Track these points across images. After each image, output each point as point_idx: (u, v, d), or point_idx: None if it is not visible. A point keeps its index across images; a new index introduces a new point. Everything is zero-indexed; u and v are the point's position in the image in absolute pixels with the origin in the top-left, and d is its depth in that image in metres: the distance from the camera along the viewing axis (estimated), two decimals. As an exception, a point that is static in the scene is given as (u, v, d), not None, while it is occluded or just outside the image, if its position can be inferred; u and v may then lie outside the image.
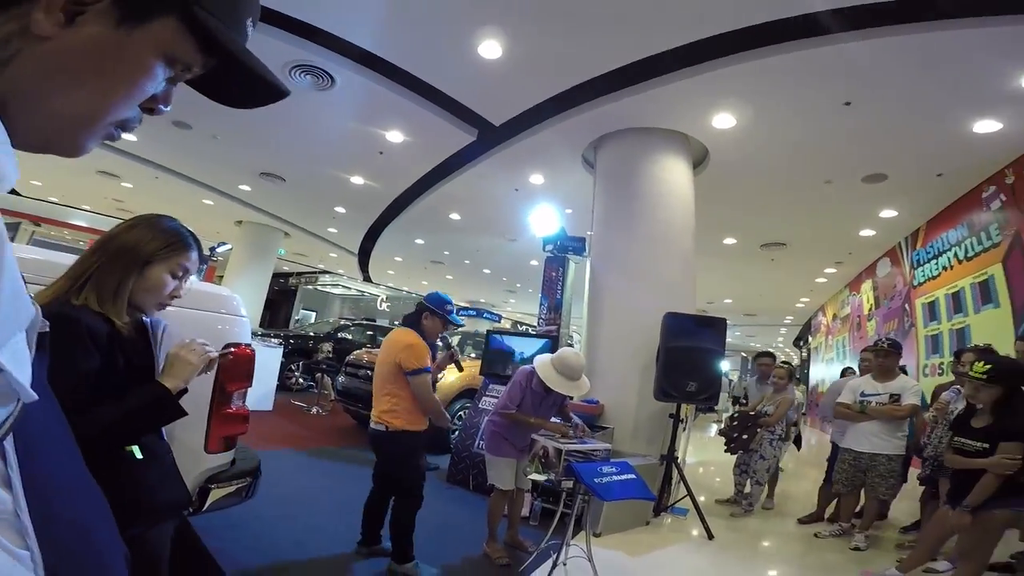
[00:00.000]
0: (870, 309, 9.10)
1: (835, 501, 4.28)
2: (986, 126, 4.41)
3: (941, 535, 3.09)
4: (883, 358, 4.01)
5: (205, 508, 1.75)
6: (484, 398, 4.99)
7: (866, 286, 9.40)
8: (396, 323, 19.85)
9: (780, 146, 5.21)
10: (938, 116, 4.38)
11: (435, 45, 4.29)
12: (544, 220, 5.67)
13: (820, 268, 10.00)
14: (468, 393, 5.67)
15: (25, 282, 0.42)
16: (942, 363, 5.97)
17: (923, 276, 6.77)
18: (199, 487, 1.76)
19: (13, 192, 13.05)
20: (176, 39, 0.45)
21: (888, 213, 6.69)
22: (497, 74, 4.52)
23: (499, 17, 3.86)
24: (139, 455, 1.17)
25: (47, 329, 0.49)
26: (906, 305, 7.30)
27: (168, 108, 0.51)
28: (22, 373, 0.35)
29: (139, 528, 1.13)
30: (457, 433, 5.11)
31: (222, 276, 13.03)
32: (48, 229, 13.90)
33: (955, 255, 5.95)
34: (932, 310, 6.43)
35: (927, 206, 6.32)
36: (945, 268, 6.20)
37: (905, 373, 4.41)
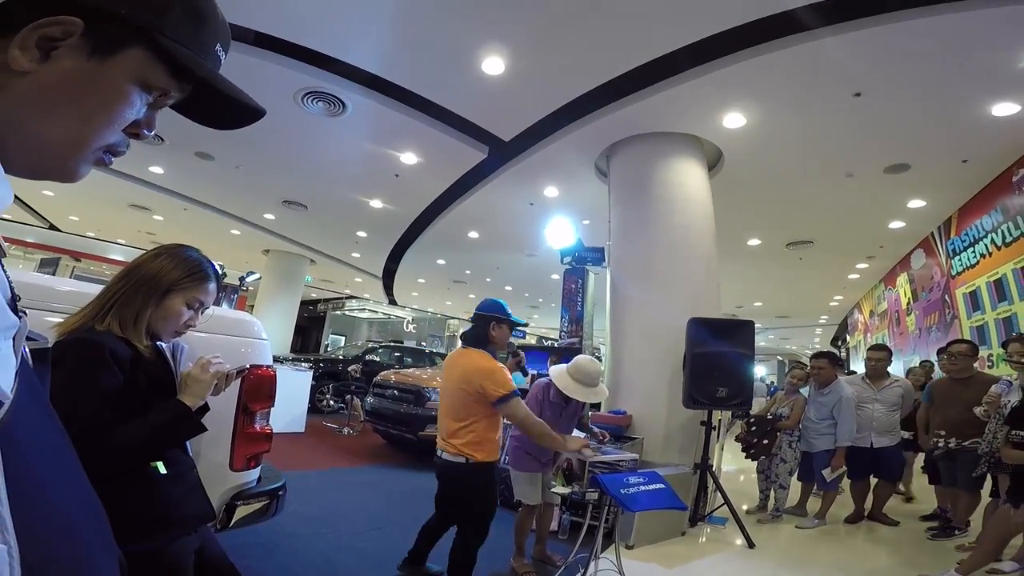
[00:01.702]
0: (908, 303, 8.76)
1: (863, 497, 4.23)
2: (1005, 109, 4.26)
3: (1004, 534, 2.91)
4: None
5: (231, 524, 1.80)
6: (509, 413, 4.97)
7: (902, 280, 9.05)
8: (422, 344, 20.06)
9: (794, 142, 5.13)
10: (953, 101, 4.26)
11: (439, 65, 4.40)
12: (560, 233, 5.68)
13: (851, 264, 9.69)
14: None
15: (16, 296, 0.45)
16: (991, 355, 5.69)
17: (961, 265, 6.49)
18: (225, 504, 1.81)
19: (53, 228, 13.66)
20: (147, 67, 0.49)
21: (916, 203, 6.47)
22: (502, 90, 4.60)
23: (498, 34, 3.94)
24: (164, 470, 1.22)
25: (47, 345, 0.51)
26: (946, 296, 7.00)
27: (152, 132, 0.54)
28: (4, 376, 0.37)
29: (164, 540, 1.17)
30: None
31: (252, 305, 13.45)
32: (88, 264, 14.65)
33: (992, 241, 5.71)
34: (974, 299, 6.15)
35: (956, 193, 6.10)
36: (983, 255, 5.94)
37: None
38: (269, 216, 9.66)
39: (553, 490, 3.05)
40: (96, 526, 0.48)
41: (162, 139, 6.45)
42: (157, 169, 7.64)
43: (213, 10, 0.55)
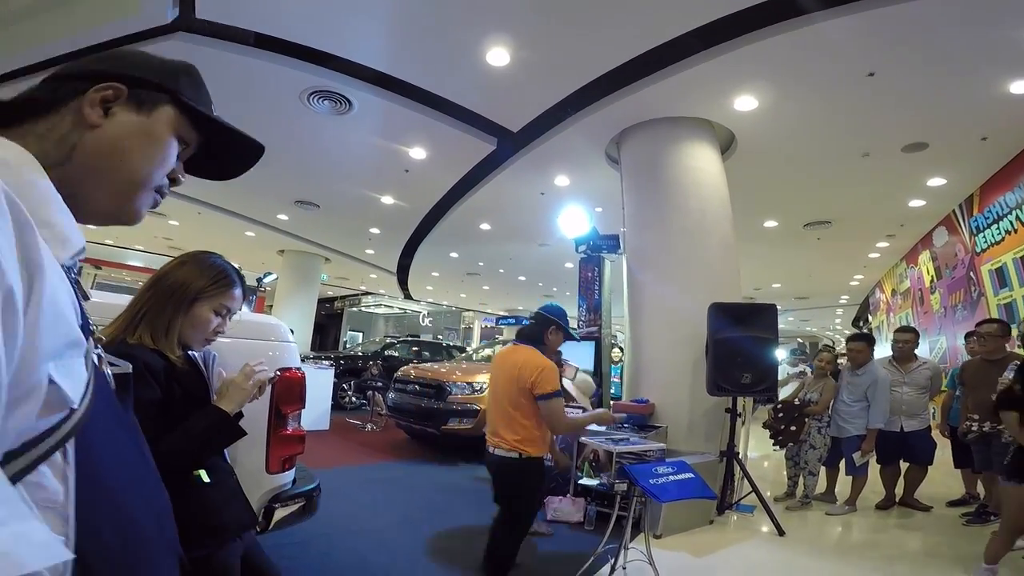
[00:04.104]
0: (931, 281, 8.57)
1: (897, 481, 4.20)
2: (1022, 86, 4.14)
3: (1019, 514, 2.83)
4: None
5: (271, 527, 1.84)
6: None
7: (924, 257, 8.85)
8: (439, 337, 20.17)
9: (807, 123, 5.02)
10: (970, 79, 4.13)
11: (443, 58, 4.36)
12: (574, 221, 5.63)
13: (871, 243, 9.50)
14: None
15: (89, 322, 0.50)
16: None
17: (985, 242, 6.33)
18: (264, 507, 1.84)
19: None
20: (177, 119, 0.64)
21: (936, 181, 6.31)
22: (508, 80, 4.55)
23: (500, 23, 3.90)
24: (206, 479, 1.25)
25: (127, 370, 0.61)
26: (971, 273, 6.83)
27: (184, 179, 0.70)
28: (72, 387, 0.41)
29: (209, 548, 1.20)
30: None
31: (271, 305, 13.61)
32: (108, 271, 14.94)
33: (1017, 217, 5.56)
34: (1001, 276, 6.00)
35: (977, 171, 5.95)
36: (1008, 232, 5.78)
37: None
38: (282, 216, 9.74)
39: (580, 482, 3.07)
40: (161, 528, 0.55)
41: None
42: (207, 179, 7.72)
43: (203, 80, 0.70)
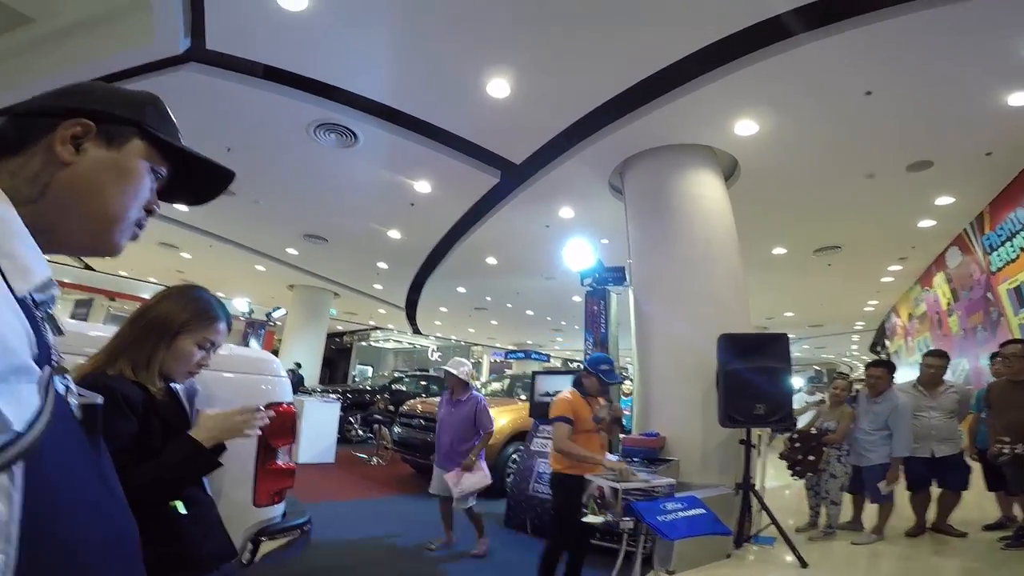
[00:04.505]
0: (948, 303, 8.38)
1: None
2: (1022, 99, 4.13)
3: None
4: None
5: (256, 560, 1.78)
6: (536, 439, 4.87)
7: (938, 279, 8.69)
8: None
9: (808, 146, 5.04)
10: (967, 94, 4.14)
11: (444, 90, 4.48)
12: (579, 254, 5.63)
13: (883, 267, 9.37)
14: (520, 436, 5.57)
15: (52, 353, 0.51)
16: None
17: (1000, 260, 6.20)
18: (250, 540, 1.78)
19: (87, 267, 14.36)
20: (147, 150, 0.64)
21: (944, 200, 6.25)
22: (509, 112, 4.64)
23: (499, 56, 4.01)
24: (182, 510, 1.21)
25: (95, 401, 0.58)
26: (988, 294, 6.67)
27: (159, 209, 0.70)
28: (16, 412, 0.41)
29: (184, 581, 1.15)
30: (512, 477, 4.99)
31: (280, 340, 13.68)
32: (122, 303, 15.21)
33: (1032, 233, 5.45)
34: (1019, 295, 5.85)
35: (985, 187, 5.88)
36: (1023, 249, 5.66)
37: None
38: (292, 251, 9.90)
39: (585, 519, 2.97)
40: (120, 556, 0.54)
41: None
42: (182, 207, 7.88)
43: (168, 111, 0.70)
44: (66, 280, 13.78)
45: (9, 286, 0.44)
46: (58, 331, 0.55)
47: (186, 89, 4.40)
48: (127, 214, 0.62)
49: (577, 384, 3.13)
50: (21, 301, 0.46)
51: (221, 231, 9.18)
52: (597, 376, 3.07)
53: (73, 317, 11.92)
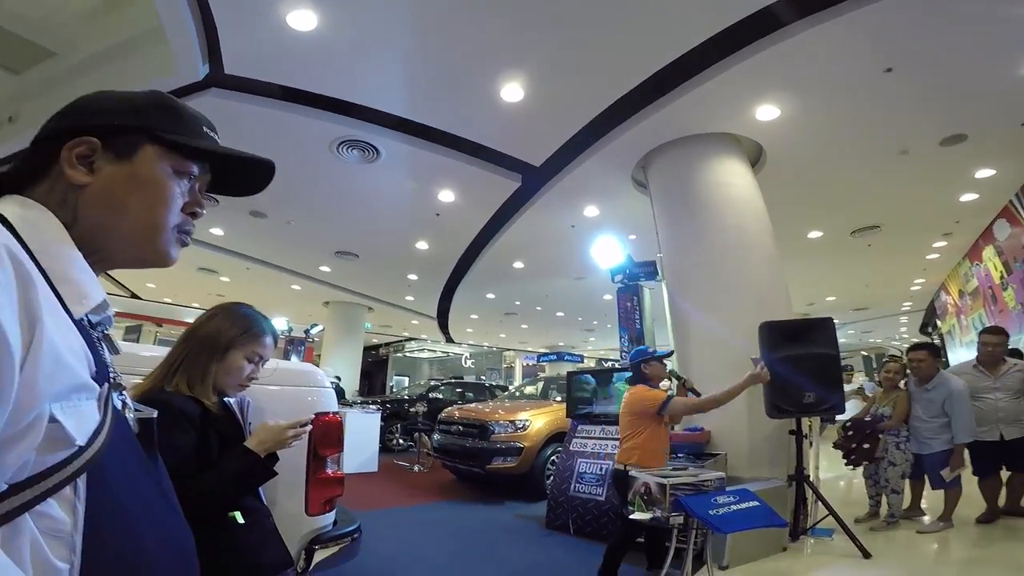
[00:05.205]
0: (1001, 277, 7.92)
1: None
2: None
3: None
4: None
5: (311, 568, 1.83)
6: (574, 440, 4.84)
7: (988, 253, 8.23)
8: (482, 378, 20.39)
9: (834, 126, 4.87)
10: (992, 63, 3.93)
11: (459, 98, 4.52)
12: (607, 251, 5.59)
13: (927, 244, 8.93)
14: (558, 437, 5.56)
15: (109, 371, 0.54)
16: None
17: (1055, 229, 5.84)
18: (303, 549, 1.84)
19: (134, 296, 15.13)
20: (165, 157, 0.61)
21: (985, 172, 5.93)
22: (525, 115, 4.66)
23: (511, 60, 4.03)
24: (241, 519, 1.26)
25: (152, 415, 0.61)
26: (1045, 265, 6.29)
27: (204, 210, 0.67)
28: (77, 427, 0.44)
29: (247, 588, 1.20)
30: (552, 478, 4.97)
31: (319, 355, 14.04)
32: (168, 328, 16.03)
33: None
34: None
35: (1025, 158, 5.56)
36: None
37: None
38: (325, 268, 10.15)
39: (632, 516, 2.94)
40: (179, 565, 0.56)
41: (216, 200, 6.99)
42: (217, 231, 8.24)
43: (179, 103, 0.66)
44: (116, 310, 14.56)
45: (67, 310, 0.47)
46: (115, 350, 0.58)
47: (210, 115, 4.54)
48: (162, 223, 0.59)
49: (639, 380, 3.18)
50: (78, 323, 0.48)
51: (256, 253, 9.47)
52: (655, 358, 3.19)
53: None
